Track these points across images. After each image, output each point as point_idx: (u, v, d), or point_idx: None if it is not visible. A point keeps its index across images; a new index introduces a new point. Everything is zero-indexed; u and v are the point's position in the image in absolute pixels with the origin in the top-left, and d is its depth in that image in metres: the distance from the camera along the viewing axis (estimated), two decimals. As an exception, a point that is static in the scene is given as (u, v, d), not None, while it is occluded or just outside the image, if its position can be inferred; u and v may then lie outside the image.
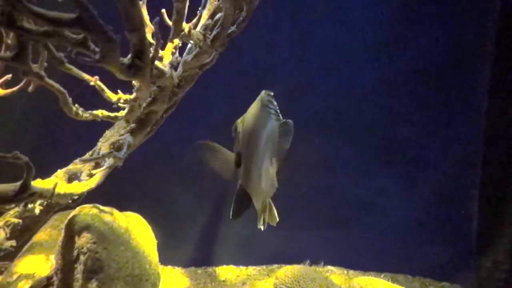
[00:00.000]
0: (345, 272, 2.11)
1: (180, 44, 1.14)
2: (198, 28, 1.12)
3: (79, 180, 1.15)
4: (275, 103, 1.28)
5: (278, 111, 1.29)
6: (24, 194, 0.82)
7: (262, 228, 1.51)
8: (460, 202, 2.01)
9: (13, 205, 1.10)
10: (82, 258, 1.09)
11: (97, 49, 0.66)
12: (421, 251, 2.09)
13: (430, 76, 1.95)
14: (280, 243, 2.11)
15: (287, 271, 1.60)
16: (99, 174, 1.16)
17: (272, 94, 1.28)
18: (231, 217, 1.55)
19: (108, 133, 1.32)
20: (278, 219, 1.54)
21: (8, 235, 1.16)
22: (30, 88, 1.03)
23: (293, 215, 2.09)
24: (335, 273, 2.08)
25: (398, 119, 2.01)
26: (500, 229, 1.93)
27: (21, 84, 1.05)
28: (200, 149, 1.45)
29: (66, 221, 1.16)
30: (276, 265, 2.14)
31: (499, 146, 1.93)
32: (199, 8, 1.15)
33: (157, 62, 0.98)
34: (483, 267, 1.96)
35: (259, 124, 1.37)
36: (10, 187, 0.81)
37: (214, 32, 1.10)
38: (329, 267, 2.12)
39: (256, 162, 1.42)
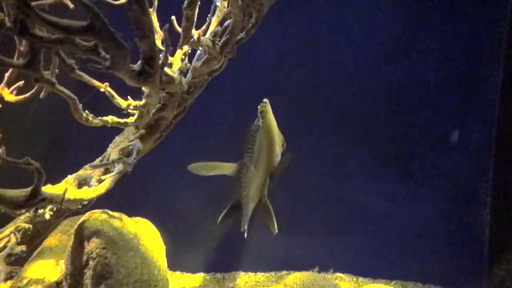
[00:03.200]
0: (355, 279, 2.09)
1: (190, 51, 1.15)
2: (208, 35, 1.13)
3: (89, 186, 1.16)
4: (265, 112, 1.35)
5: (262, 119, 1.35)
6: (35, 199, 0.82)
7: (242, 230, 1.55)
8: (472, 210, 1.98)
9: (24, 211, 1.11)
10: (91, 263, 1.10)
11: (107, 56, 0.67)
12: (432, 259, 2.06)
13: (441, 81, 1.93)
14: (289, 250, 2.10)
15: (296, 278, 1.60)
16: (108, 180, 1.17)
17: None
18: (218, 222, 1.60)
19: (117, 139, 1.33)
20: (277, 230, 1.57)
21: (19, 240, 1.17)
22: (42, 94, 1.04)
23: (302, 222, 2.08)
24: (344, 280, 2.06)
25: (408, 124, 1.99)
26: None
27: (33, 90, 1.06)
28: (194, 170, 1.51)
29: (76, 226, 1.17)
30: (285, 272, 2.13)
31: (511, 150, 1.90)
32: (209, 15, 1.16)
33: (166, 69, 0.98)
34: (496, 275, 1.93)
35: (253, 133, 1.42)
36: (21, 192, 0.82)
37: (223, 39, 1.10)
38: (339, 274, 2.10)
39: (248, 168, 1.46)
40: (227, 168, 1.56)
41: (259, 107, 1.36)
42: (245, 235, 1.58)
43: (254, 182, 1.51)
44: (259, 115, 1.37)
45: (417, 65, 1.94)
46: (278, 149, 1.54)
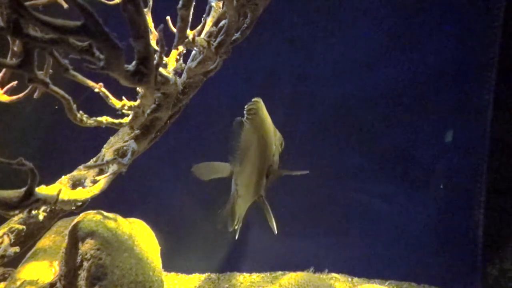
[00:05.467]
0: (349, 279, 2.09)
1: (185, 51, 1.15)
2: (203, 35, 1.12)
3: (83, 187, 1.15)
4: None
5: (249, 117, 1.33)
6: (28, 200, 0.82)
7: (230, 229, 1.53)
8: (466, 210, 2.00)
9: (17, 212, 1.10)
10: (85, 264, 1.09)
11: (102, 56, 0.67)
12: (426, 259, 2.07)
13: (435, 83, 1.94)
14: (284, 250, 2.10)
15: (291, 278, 1.59)
16: (103, 181, 1.16)
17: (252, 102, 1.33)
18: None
19: (112, 139, 1.32)
20: (276, 230, 1.54)
21: (12, 241, 1.16)
22: (36, 95, 1.03)
23: (297, 222, 2.08)
24: (339, 281, 2.06)
25: (402, 125, 2.00)
26: (507, 237, 1.91)
27: (27, 90, 1.06)
28: (196, 173, 1.49)
29: (70, 227, 1.16)
30: (280, 272, 2.13)
31: (505, 153, 1.92)
32: (204, 15, 1.16)
33: (161, 69, 0.98)
34: (490, 275, 1.94)
35: (235, 130, 1.40)
36: (14, 193, 0.81)
37: (219, 39, 1.10)
38: (333, 275, 2.10)
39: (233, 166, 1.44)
40: (225, 169, 1.53)
41: (246, 106, 1.34)
42: (236, 236, 1.57)
43: (241, 180, 1.49)
44: (246, 113, 1.35)
45: (413, 66, 1.94)
46: (274, 147, 1.51)
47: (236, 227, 1.57)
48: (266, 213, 1.59)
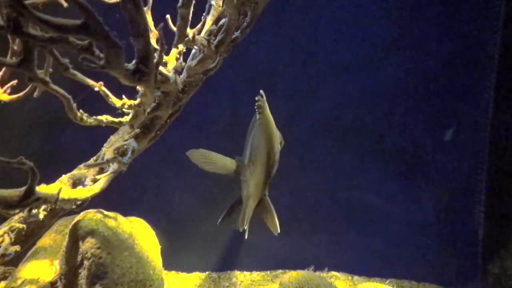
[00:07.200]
0: (350, 278, 2.10)
1: (185, 50, 1.14)
2: (203, 34, 1.12)
3: (84, 185, 1.15)
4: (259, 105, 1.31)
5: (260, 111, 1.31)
6: (29, 199, 0.82)
7: (240, 229, 1.51)
8: (466, 208, 2.00)
9: (17, 210, 1.10)
10: (86, 263, 1.09)
11: (101, 55, 0.67)
12: (426, 257, 2.07)
13: (435, 82, 1.94)
14: (284, 249, 2.10)
15: (291, 276, 1.60)
16: (103, 179, 1.16)
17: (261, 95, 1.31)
18: (218, 223, 1.56)
19: (112, 138, 1.32)
20: (279, 230, 1.53)
21: (12, 240, 1.16)
22: (36, 94, 1.03)
23: (297, 221, 2.08)
24: (339, 279, 2.07)
25: (403, 124, 2.00)
26: (507, 234, 1.91)
27: (27, 89, 1.06)
28: (192, 158, 1.47)
29: (70, 226, 1.16)
30: (280, 271, 2.13)
31: (504, 150, 1.92)
32: (204, 14, 1.15)
33: (161, 68, 0.98)
34: (490, 273, 1.94)
35: (250, 126, 1.39)
36: (15, 192, 0.81)
37: (218, 38, 1.10)
38: (334, 273, 2.10)
39: (245, 165, 1.43)
40: (227, 164, 1.51)
41: (256, 98, 1.32)
42: (246, 235, 1.55)
43: (253, 179, 1.48)
44: (256, 110, 1.33)
45: (413, 65, 1.94)
46: (277, 146, 1.51)
47: (246, 227, 1.55)
48: (270, 213, 1.57)
